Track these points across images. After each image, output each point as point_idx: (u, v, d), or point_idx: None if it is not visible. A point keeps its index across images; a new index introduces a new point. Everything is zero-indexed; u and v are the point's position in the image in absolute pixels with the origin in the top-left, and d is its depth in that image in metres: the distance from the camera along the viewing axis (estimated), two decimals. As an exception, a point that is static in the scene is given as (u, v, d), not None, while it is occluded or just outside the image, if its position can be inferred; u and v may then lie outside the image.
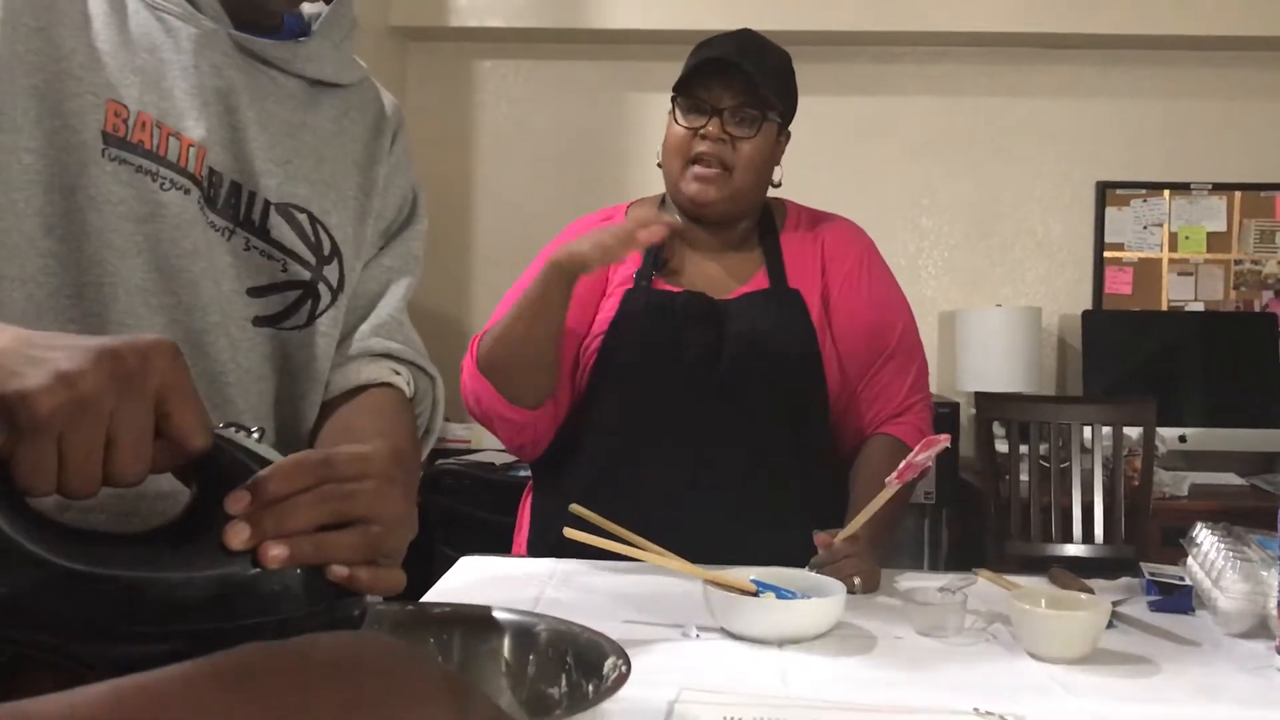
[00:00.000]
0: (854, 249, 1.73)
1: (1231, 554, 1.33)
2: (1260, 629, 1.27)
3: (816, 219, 1.77)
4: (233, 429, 0.67)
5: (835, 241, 1.73)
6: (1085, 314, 3.45)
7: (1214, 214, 3.57)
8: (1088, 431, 2.81)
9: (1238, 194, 3.56)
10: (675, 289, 1.68)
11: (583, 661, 0.78)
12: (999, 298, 3.58)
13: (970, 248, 3.63)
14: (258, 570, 0.61)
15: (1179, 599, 1.39)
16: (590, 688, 0.75)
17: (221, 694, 0.46)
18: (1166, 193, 3.58)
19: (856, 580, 1.41)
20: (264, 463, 0.65)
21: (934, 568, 3.21)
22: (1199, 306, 3.57)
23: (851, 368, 1.69)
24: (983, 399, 2.94)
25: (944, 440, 1.40)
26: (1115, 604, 1.35)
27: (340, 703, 0.48)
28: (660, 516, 1.47)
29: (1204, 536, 1.43)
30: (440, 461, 3.10)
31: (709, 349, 1.63)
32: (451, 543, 2.75)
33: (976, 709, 1.02)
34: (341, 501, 0.65)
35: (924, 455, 1.38)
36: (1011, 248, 3.63)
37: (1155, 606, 1.39)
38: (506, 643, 0.83)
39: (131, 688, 0.45)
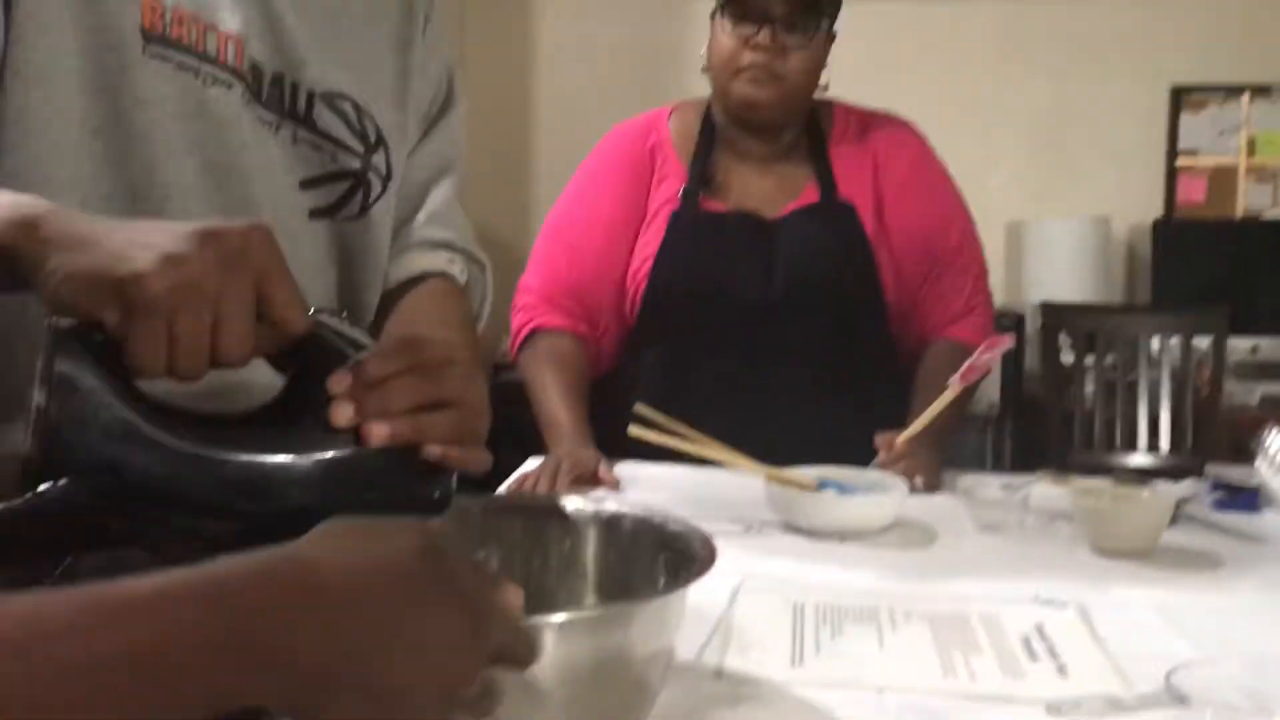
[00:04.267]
0: (907, 152, 1.70)
1: (1300, 453, 1.32)
2: (1328, 526, 1.27)
3: (866, 122, 1.73)
4: (323, 314, 0.69)
5: (887, 146, 1.69)
6: (1156, 223, 3.38)
7: (1294, 118, 3.46)
8: (1156, 342, 2.77)
9: (1320, 97, 3.44)
10: (723, 208, 1.66)
11: (668, 549, 0.79)
12: (1067, 207, 3.51)
13: (1039, 156, 3.55)
14: (359, 449, 0.63)
15: (1245, 499, 1.38)
16: (678, 572, 0.75)
17: (191, 608, 0.46)
18: (1245, 96, 3.46)
19: (918, 479, 1.42)
20: (357, 346, 0.67)
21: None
22: (1277, 214, 3.47)
23: (910, 275, 1.67)
24: (1049, 310, 2.90)
25: (1007, 340, 1.40)
26: (1179, 503, 1.35)
27: (325, 626, 0.48)
28: (717, 436, 1.48)
29: (1274, 439, 1.42)
30: (505, 374, 3.14)
31: (761, 270, 1.62)
32: (520, 453, 2.79)
33: (1037, 597, 1.04)
34: (435, 384, 0.66)
35: (987, 356, 1.38)
36: (1081, 155, 3.55)
37: (1220, 506, 1.39)
38: (591, 532, 0.84)
39: (102, 595, 0.45)
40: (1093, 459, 2.81)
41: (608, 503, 0.86)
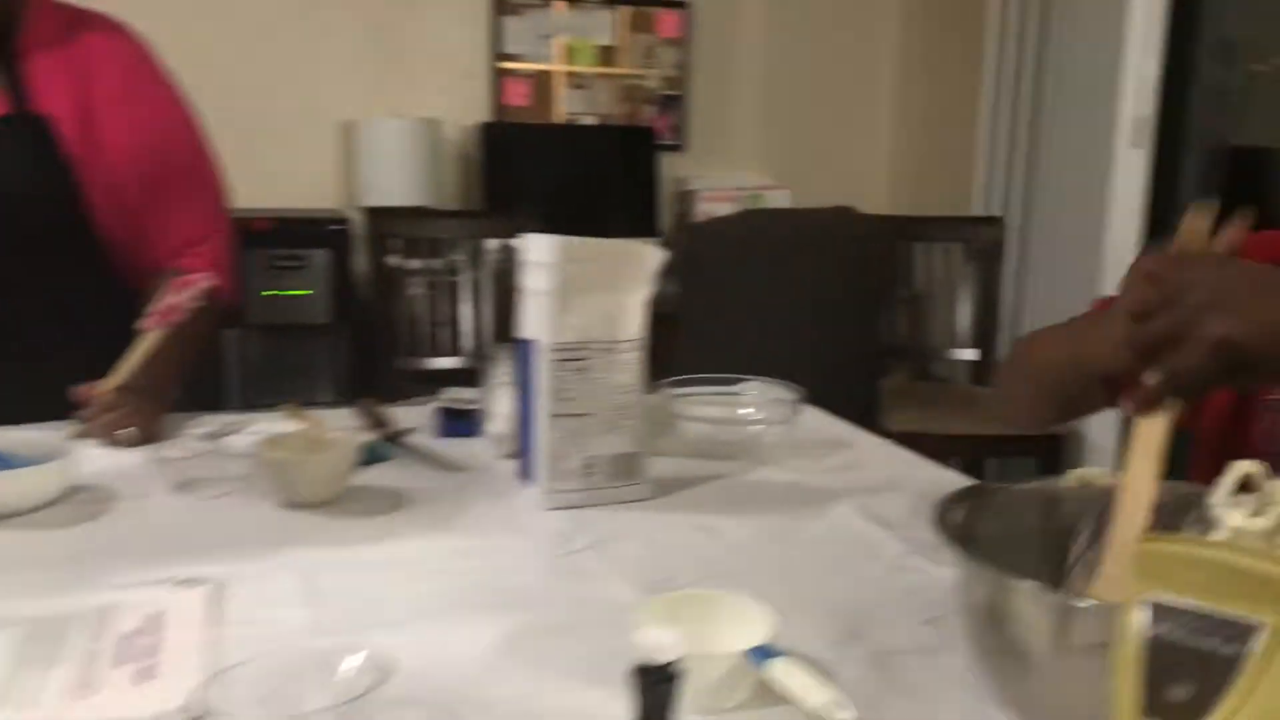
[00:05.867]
0: (120, 59, 1.49)
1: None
2: (527, 448, 1.31)
3: (73, 23, 1.49)
4: None
5: (97, 52, 1.47)
6: (484, 126, 3.46)
7: (603, 28, 3.68)
8: (480, 247, 2.86)
9: (626, 9, 3.68)
10: None
11: None
12: (399, 108, 3.46)
13: (369, 55, 3.46)
14: None
15: (465, 424, 1.40)
16: None
17: None
18: (560, 2, 3.61)
19: (125, 433, 1.28)
20: None
21: (334, 389, 3.15)
22: (593, 120, 3.71)
23: (132, 199, 1.48)
24: (375, 214, 2.88)
25: (204, 279, 1.28)
26: (407, 433, 1.34)
27: None
28: None
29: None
30: None
31: None
32: None
33: (176, 577, 0.94)
34: None
35: (185, 295, 1.26)
36: (411, 56, 3.51)
37: (443, 432, 1.40)
38: None
39: None
40: (420, 364, 2.87)
41: None
